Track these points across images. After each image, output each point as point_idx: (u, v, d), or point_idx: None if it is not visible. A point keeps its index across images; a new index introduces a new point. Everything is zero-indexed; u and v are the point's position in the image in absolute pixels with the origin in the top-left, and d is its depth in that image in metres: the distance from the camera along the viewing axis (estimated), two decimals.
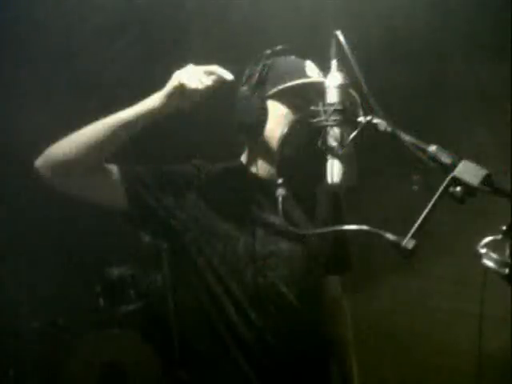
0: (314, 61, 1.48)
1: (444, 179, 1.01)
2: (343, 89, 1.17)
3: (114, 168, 1.39)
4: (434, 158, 1.06)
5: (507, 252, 0.96)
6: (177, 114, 1.34)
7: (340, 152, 1.16)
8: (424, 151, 1.07)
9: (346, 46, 1.13)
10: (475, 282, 1.05)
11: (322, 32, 1.24)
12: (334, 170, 1.17)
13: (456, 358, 2.60)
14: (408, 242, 1.01)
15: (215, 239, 1.43)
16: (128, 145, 1.38)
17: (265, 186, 1.47)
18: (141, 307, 3.08)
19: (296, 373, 1.44)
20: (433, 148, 1.07)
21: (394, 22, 2.53)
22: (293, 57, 1.50)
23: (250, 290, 1.41)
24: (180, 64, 1.32)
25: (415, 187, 1.30)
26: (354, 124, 1.16)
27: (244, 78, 1.48)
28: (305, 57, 1.50)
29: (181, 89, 1.28)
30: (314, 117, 1.20)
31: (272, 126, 1.43)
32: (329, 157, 1.18)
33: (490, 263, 0.96)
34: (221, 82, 1.29)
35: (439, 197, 1.01)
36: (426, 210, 1.02)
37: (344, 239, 1.64)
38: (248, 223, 1.44)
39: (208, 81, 1.28)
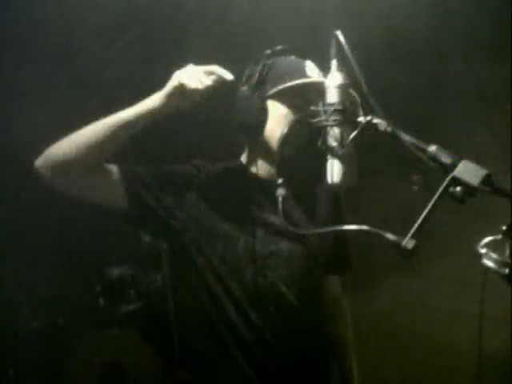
0: (313, 61, 1.48)
1: (444, 179, 1.01)
2: (343, 89, 1.17)
3: (114, 168, 1.39)
4: (434, 158, 1.06)
5: (507, 252, 0.96)
6: (177, 114, 1.34)
7: (340, 152, 1.16)
8: (424, 151, 1.07)
9: (345, 46, 1.13)
10: (475, 282, 1.05)
11: (322, 32, 1.24)
12: (334, 170, 1.17)
13: (456, 357, 2.60)
14: (408, 242, 1.01)
15: (215, 239, 1.43)
16: (128, 145, 1.38)
17: (265, 186, 1.47)
18: (141, 307, 3.08)
19: (296, 373, 1.44)
20: (433, 148, 1.07)
21: (393, 21, 2.53)
22: (293, 57, 1.50)
23: (250, 289, 1.41)
24: (180, 64, 1.32)
25: (415, 187, 1.30)
26: (354, 124, 1.16)
27: (244, 78, 1.48)
28: (305, 57, 1.50)
29: (181, 89, 1.28)
30: (314, 117, 1.20)
31: (272, 126, 1.43)
32: (329, 157, 1.18)
33: (490, 263, 0.96)
34: (221, 82, 1.29)
35: (439, 197, 1.01)
36: (426, 210, 1.02)
37: (344, 239, 1.64)
38: (248, 223, 1.44)
39: (208, 81, 1.28)
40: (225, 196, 1.47)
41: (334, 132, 1.17)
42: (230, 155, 1.57)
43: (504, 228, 0.96)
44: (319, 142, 1.19)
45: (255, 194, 1.48)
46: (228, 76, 1.29)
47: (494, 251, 0.96)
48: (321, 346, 1.54)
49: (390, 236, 1.04)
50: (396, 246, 1.03)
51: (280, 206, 1.33)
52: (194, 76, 1.27)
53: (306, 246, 1.47)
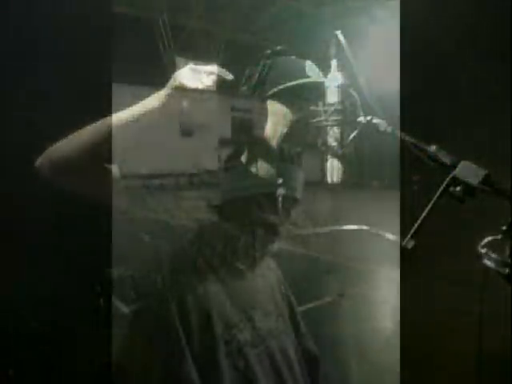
0: (313, 61, 1.48)
1: (444, 179, 1.01)
2: (343, 89, 1.18)
3: (114, 168, 1.39)
4: (434, 158, 1.06)
5: (507, 252, 0.96)
6: (177, 115, 1.34)
7: (340, 152, 1.16)
8: (424, 151, 1.07)
9: (345, 46, 1.13)
10: (475, 282, 1.05)
11: (322, 32, 1.24)
12: (334, 170, 1.17)
13: (456, 357, 2.60)
14: (408, 242, 1.01)
15: (215, 239, 1.43)
16: (128, 145, 1.37)
17: (265, 186, 1.47)
18: (141, 307, 3.07)
19: (296, 373, 1.44)
20: (433, 148, 1.07)
21: (394, 22, 2.54)
22: (293, 57, 1.50)
23: (250, 290, 1.41)
24: (180, 64, 1.32)
25: (415, 187, 1.30)
26: (354, 124, 1.16)
27: (244, 78, 1.48)
28: (305, 57, 1.49)
29: (181, 89, 1.28)
30: (314, 117, 1.20)
31: (272, 125, 1.43)
32: (329, 157, 1.18)
33: (489, 263, 0.96)
34: (221, 82, 1.29)
35: (439, 197, 1.01)
36: (426, 210, 1.02)
37: (344, 239, 1.64)
38: (248, 223, 1.44)
39: (208, 81, 1.28)
40: (225, 196, 1.47)
41: (334, 132, 1.17)
42: (230, 155, 1.57)
43: (504, 228, 0.96)
44: (319, 142, 1.19)
45: (255, 194, 1.48)
46: (228, 76, 1.29)
47: (494, 251, 0.96)
48: (321, 346, 1.54)
49: (389, 236, 1.04)
50: (396, 245, 1.02)
51: (280, 206, 1.32)
52: (194, 76, 1.27)
53: (306, 246, 1.47)
